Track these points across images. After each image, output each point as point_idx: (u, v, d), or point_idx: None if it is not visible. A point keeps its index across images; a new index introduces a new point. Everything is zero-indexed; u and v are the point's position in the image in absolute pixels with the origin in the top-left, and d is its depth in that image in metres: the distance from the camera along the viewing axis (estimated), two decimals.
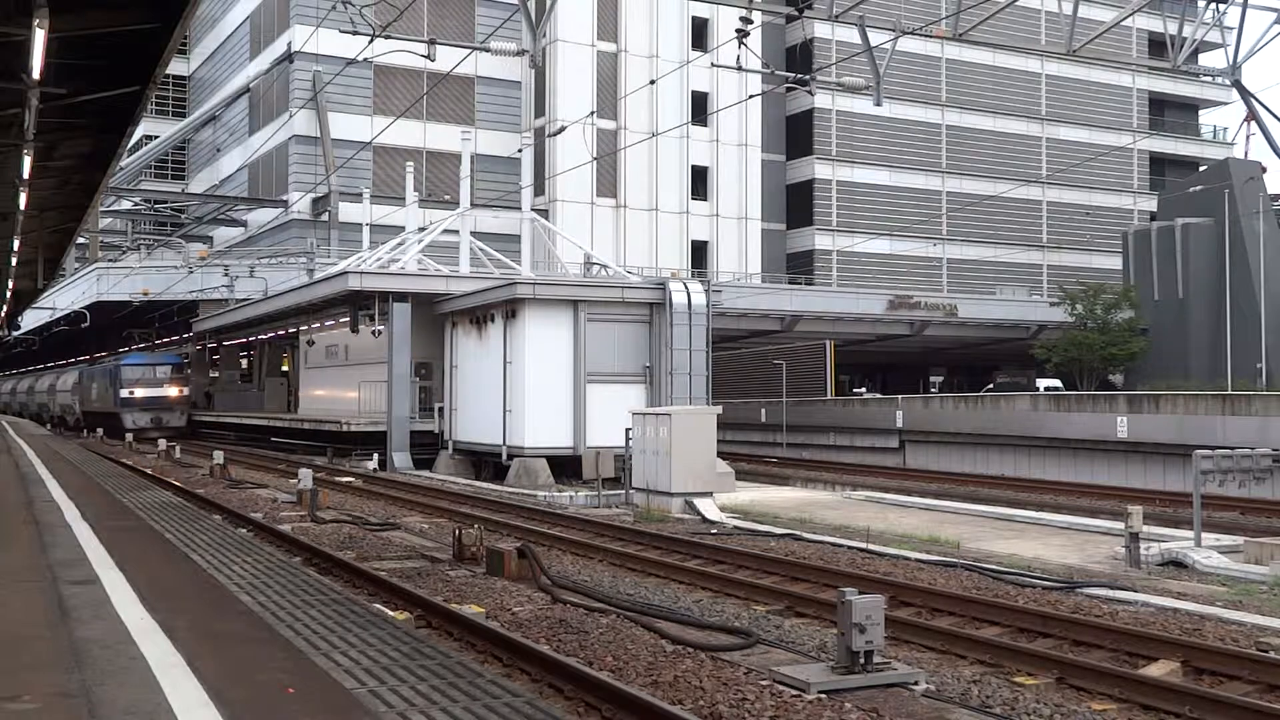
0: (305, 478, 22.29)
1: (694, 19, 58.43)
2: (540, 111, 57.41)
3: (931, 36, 29.45)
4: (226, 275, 48.64)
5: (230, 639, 7.85)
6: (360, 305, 36.32)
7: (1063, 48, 23.30)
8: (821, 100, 63.98)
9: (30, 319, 55.80)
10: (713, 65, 44.56)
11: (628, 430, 24.76)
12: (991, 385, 53.55)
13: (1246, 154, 65.84)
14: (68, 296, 55.26)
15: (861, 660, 8.98)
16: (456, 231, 39.13)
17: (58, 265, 32.76)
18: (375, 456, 33.32)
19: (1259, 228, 50.59)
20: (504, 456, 29.87)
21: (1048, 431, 33.99)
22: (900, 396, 44.00)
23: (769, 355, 49.51)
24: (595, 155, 49.27)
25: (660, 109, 55.68)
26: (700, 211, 59.71)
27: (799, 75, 29.41)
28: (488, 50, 21.77)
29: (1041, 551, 17.25)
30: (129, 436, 45.03)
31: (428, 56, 20.70)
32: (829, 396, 46.21)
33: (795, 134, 66.12)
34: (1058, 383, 51.09)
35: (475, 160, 42.09)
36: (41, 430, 56.72)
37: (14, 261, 27.05)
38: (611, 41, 57.54)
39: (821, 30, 61.74)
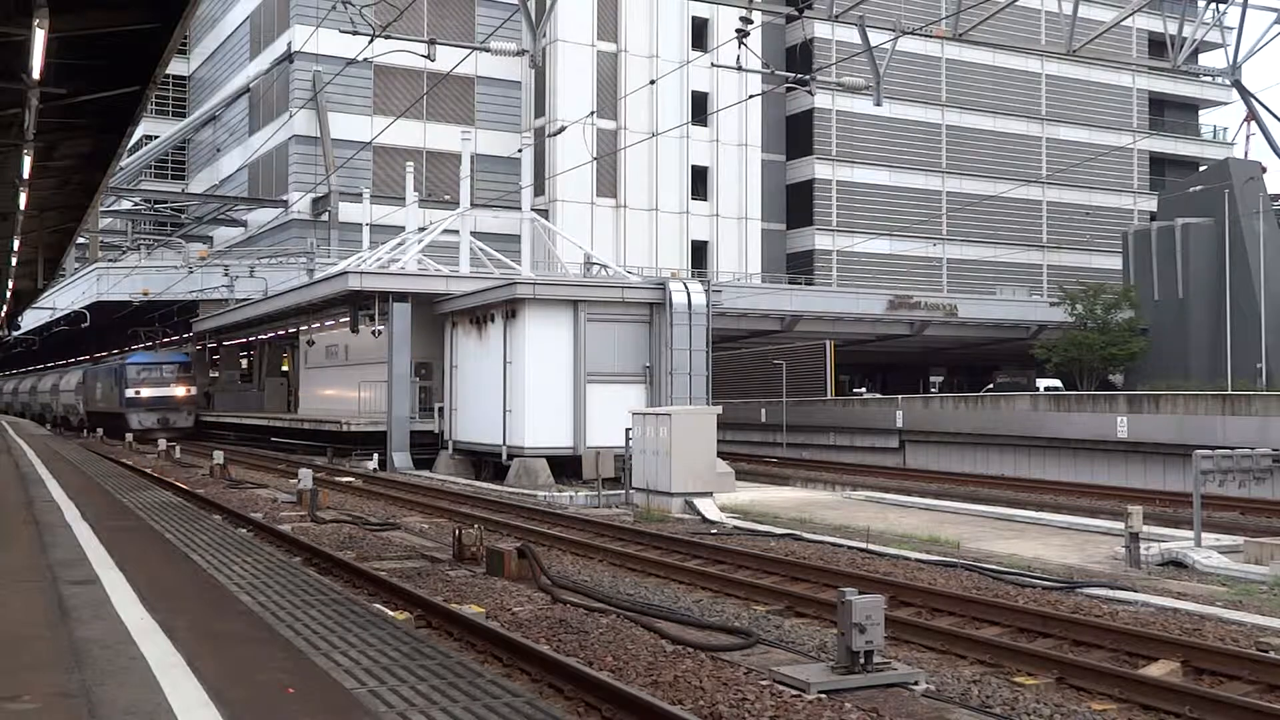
0: (305, 478, 22.29)
1: (694, 19, 58.43)
2: (540, 111, 57.42)
3: (931, 36, 29.46)
4: (226, 275, 48.60)
5: (230, 639, 7.85)
6: (360, 305, 36.33)
7: (1063, 48, 23.30)
8: (821, 100, 63.98)
9: (30, 319, 55.78)
10: (713, 65, 44.56)
11: (628, 430, 24.76)
12: (991, 385, 53.55)
13: (1246, 154, 65.85)
14: (68, 296, 55.22)
15: (861, 660, 8.98)
16: (456, 231, 39.13)
17: (58, 265, 32.76)
18: (375, 456, 33.32)
19: (1259, 228, 50.59)
20: (504, 456, 29.87)
21: (1048, 431, 33.98)
22: (900, 396, 44.00)
23: (769, 355, 49.51)
24: (595, 155, 49.27)
25: (660, 109, 55.68)
26: (700, 211, 59.71)
27: (799, 75, 29.41)
28: (488, 50, 21.76)
29: (1041, 551, 17.25)
30: (129, 436, 44.80)
31: (428, 56, 20.70)
32: (829, 396, 46.20)
33: (795, 134, 66.12)
34: (1058, 383, 51.09)
35: (475, 160, 42.09)
36: (42, 430, 56.67)
37: (14, 261, 27.06)
38: (611, 41, 57.54)
39: (821, 30, 61.74)
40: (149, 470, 29.06)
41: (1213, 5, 24.85)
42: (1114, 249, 63.96)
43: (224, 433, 49.86)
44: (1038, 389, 46.89)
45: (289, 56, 54.28)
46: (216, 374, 60.76)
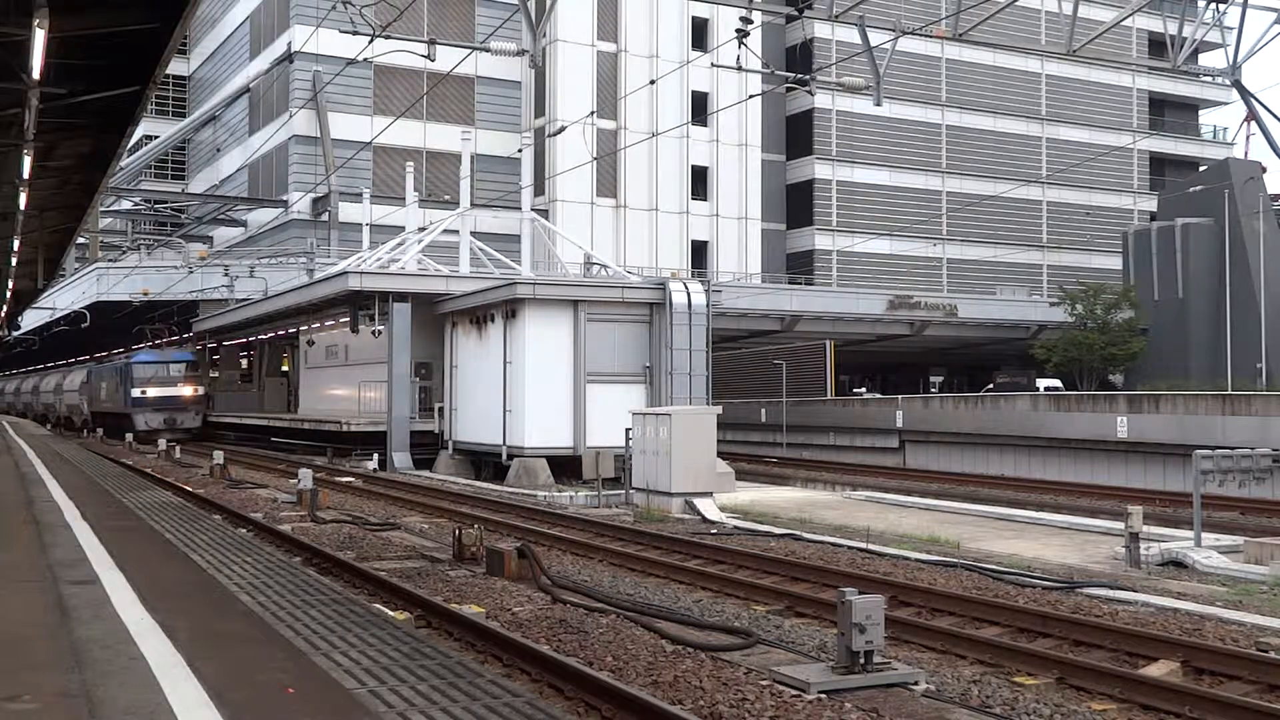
0: (305, 478, 22.29)
1: (694, 19, 58.40)
2: (540, 111, 57.41)
3: (931, 36, 29.45)
4: (226, 275, 48.59)
5: (230, 639, 7.85)
6: (360, 305, 36.33)
7: (1063, 48, 23.30)
8: (821, 100, 63.95)
9: (30, 319, 55.79)
10: (713, 65, 44.54)
11: (628, 430, 24.77)
12: (991, 385, 53.53)
13: (1246, 154, 65.97)
14: (68, 296, 55.21)
15: (861, 660, 8.98)
16: (456, 231, 39.13)
17: (58, 265, 32.79)
18: (375, 456, 33.33)
19: (1259, 228, 50.59)
20: (504, 456, 29.87)
21: (1048, 431, 33.98)
22: (900, 396, 44.00)
23: (769, 355, 49.51)
24: (595, 155, 49.26)
25: (660, 109, 55.66)
26: (700, 211, 59.70)
27: (799, 75, 29.38)
28: (488, 50, 21.76)
29: (1041, 551, 17.26)
30: (129, 437, 44.69)
31: (428, 56, 20.70)
32: (829, 396, 46.20)
33: (795, 134, 66.11)
34: (1058, 383, 51.07)
35: (475, 160, 42.07)
36: (42, 430, 56.63)
37: (14, 261, 27.07)
38: (611, 41, 57.53)
39: (821, 30, 61.73)
40: (149, 470, 29.07)
41: (1213, 5, 24.84)
42: (1114, 249, 63.96)
43: (224, 432, 49.55)
44: (1038, 389, 46.88)
45: (289, 56, 54.28)
46: (216, 374, 60.73)
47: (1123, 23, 47.10)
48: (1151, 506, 22.97)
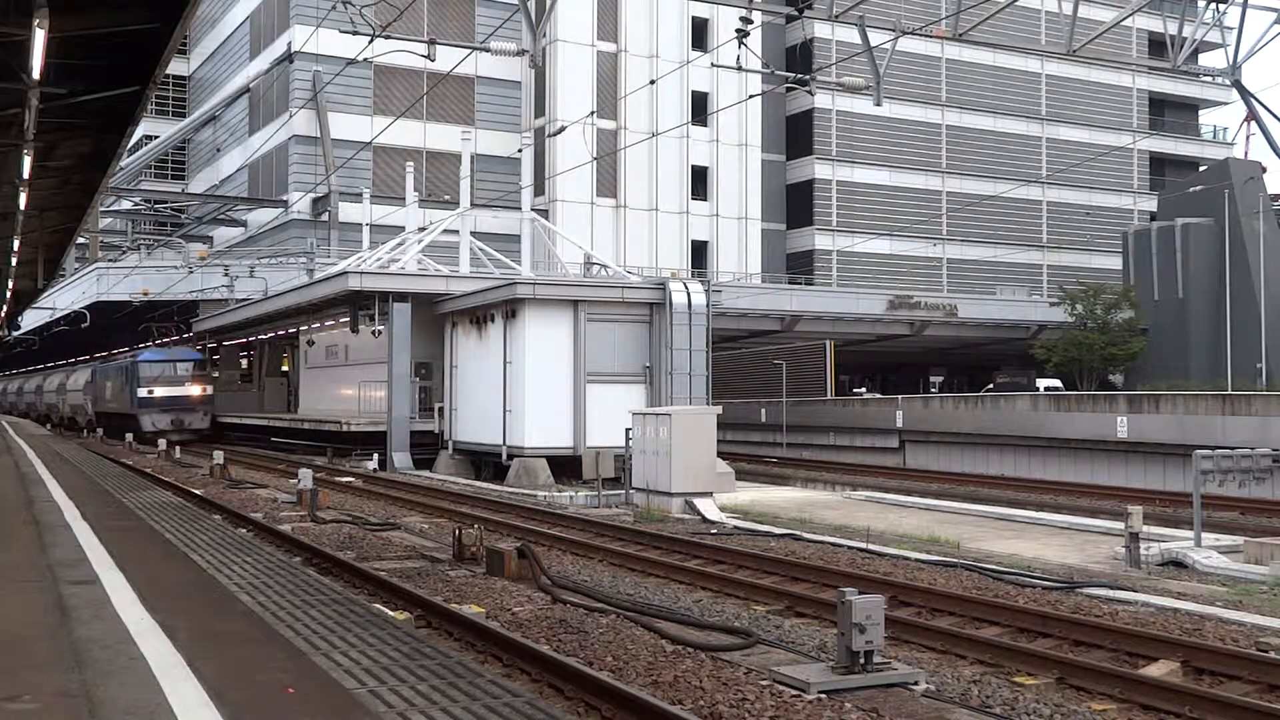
0: (305, 478, 22.29)
1: (694, 19, 58.40)
2: (540, 111, 57.41)
3: (931, 36, 29.45)
4: (226, 275, 48.54)
5: (230, 639, 7.85)
6: (360, 305, 36.33)
7: (1063, 48, 23.29)
8: (821, 100, 63.95)
9: (30, 319, 55.77)
10: (713, 65, 44.54)
11: (628, 430, 24.77)
12: (992, 385, 53.54)
13: (1246, 154, 65.97)
14: (68, 296, 55.17)
15: (861, 660, 8.98)
16: (456, 231, 39.13)
17: (58, 265, 32.79)
18: (375, 456, 33.33)
19: (1259, 228, 50.59)
20: (504, 456, 29.87)
21: (1048, 431, 33.98)
22: (900, 396, 44.00)
23: (769, 355, 49.51)
24: (595, 155, 49.26)
25: (660, 109, 55.65)
26: (700, 211, 59.70)
27: (799, 75, 29.38)
28: (488, 50, 21.76)
29: (1041, 551, 17.26)
30: (129, 436, 44.48)
31: (428, 56, 20.69)
32: (829, 396, 46.20)
33: (795, 134, 66.10)
34: (1058, 383, 51.07)
35: (475, 160, 42.07)
36: (42, 431, 56.58)
37: (14, 261, 27.08)
38: (611, 41, 57.53)
39: (821, 30, 61.72)
40: (149, 470, 29.07)
41: (1213, 5, 24.83)
42: (1114, 249, 63.95)
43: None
44: (1038, 389, 46.88)
45: (289, 56, 54.27)
46: (217, 374, 60.68)
47: (1123, 23, 47.11)
48: (1151, 506, 22.97)
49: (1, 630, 7.83)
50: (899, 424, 39.67)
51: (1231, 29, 24.72)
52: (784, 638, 11.13)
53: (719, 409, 26.41)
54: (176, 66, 67.99)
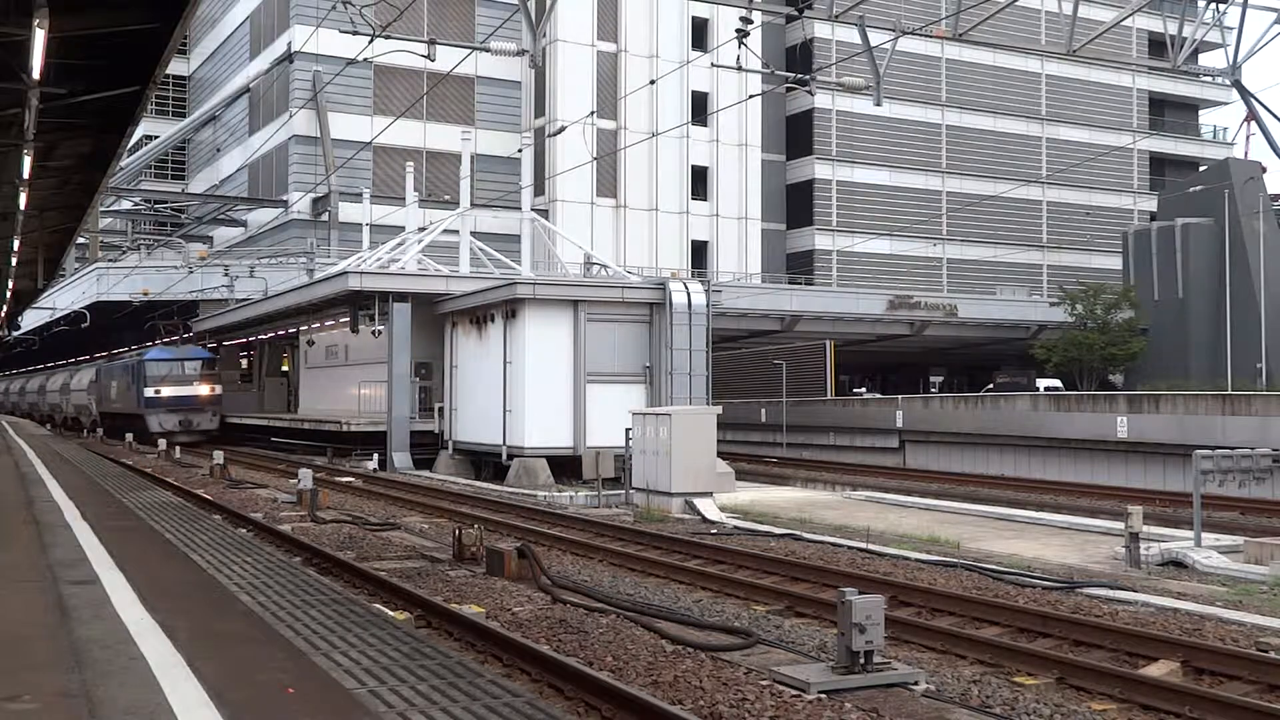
0: (305, 478, 22.29)
1: (694, 19, 58.40)
2: (540, 111, 57.41)
3: (931, 36, 29.45)
4: (226, 275, 48.51)
5: (230, 639, 7.85)
6: (360, 305, 36.33)
7: (1063, 48, 23.29)
8: (821, 100, 63.94)
9: (30, 319, 55.73)
10: (713, 65, 44.54)
11: (628, 430, 24.77)
12: (991, 385, 53.55)
13: (1246, 154, 65.96)
14: (68, 296, 55.14)
15: (861, 660, 8.98)
16: (456, 231, 39.14)
17: (58, 265, 32.78)
18: (375, 456, 33.33)
19: (1259, 228, 50.59)
20: (504, 456, 29.87)
21: (1048, 431, 33.98)
22: (900, 396, 44.00)
23: (769, 355, 49.51)
24: (595, 155, 49.26)
25: (660, 109, 55.65)
26: (700, 211, 59.70)
27: (799, 75, 29.38)
28: (488, 50, 21.76)
29: (1041, 551, 17.26)
30: (129, 436, 44.34)
31: (428, 56, 20.70)
32: (829, 396, 46.20)
33: (795, 134, 66.10)
34: (1058, 383, 51.08)
35: (475, 160, 42.07)
36: (42, 431, 56.52)
37: (14, 261, 27.08)
38: (611, 41, 57.52)
39: (821, 30, 61.71)
40: (149, 470, 29.07)
41: (1213, 5, 24.83)
42: (1114, 249, 63.95)
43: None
44: (1038, 389, 46.89)
45: (289, 56, 54.27)
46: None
47: (1123, 23, 47.11)
48: (1151, 506, 22.97)
49: (1, 630, 7.83)
50: (899, 424, 39.67)
51: (1231, 29, 24.73)
52: (784, 638, 11.13)
53: (719, 409, 26.41)
54: (176, 66, 67.98)
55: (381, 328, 34.79)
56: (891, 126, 65.50)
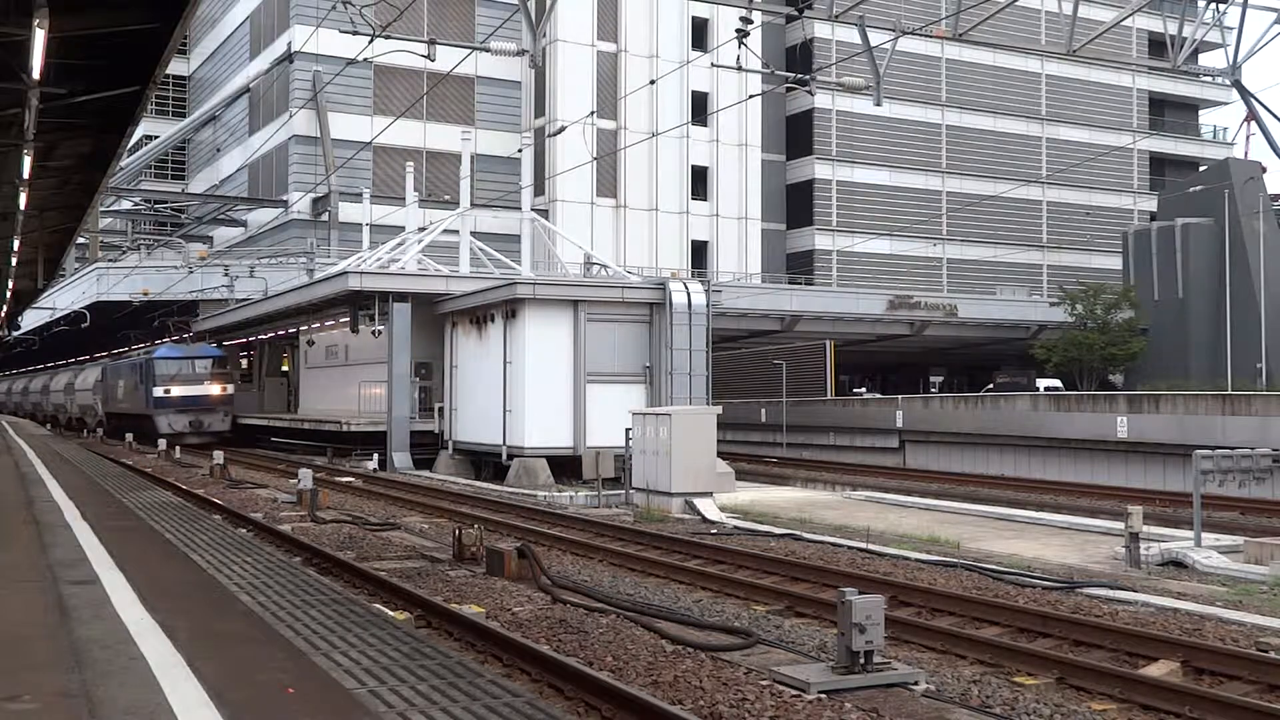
0: (305, 478, 22.29)
1: (694, 19, 58.39)
2: (540, 111, 57.41)
3: (931, 36, 29.45)
4: (226, 275, 48.49)
5: (230, 639, 7.85)
6: (360, 305, 36.33)
7: (1063, 48, 23.29)
8: (821, 100, 63.94)
9: (30, 319, 55.71)
10: (713, 65, 44.53)
11: (628, 430, 24.77)
12: (991, 385, 53.55)
13: (1246, 154, 65.97)
14: (68, 296, 55.12)
15: (861, 660, 8.98)
16: (456, 231, 39.14)
17: (58, 265, 32.78)
18: (375, 456, 33.33)
19: (1259, 228, 50.59)
20: (504, 456, 29.87)
21: (1048, 431, 33.98)
22: (900, 396, 44.00)
23: (769, 355, 49.51)
24: (595, 155, 49.26)
25: (660, 109, 55.65)
26: (700, 211, 59.70)
27: (799, 75, 29.37)
28: (488, 50, 21.76)
29: (1041, 551, 17.26)
30: (129, 436, 44.18)
31: (428, 56, 20.69)
32: (829, 396, 46.20)
33: (795, 134, 66.10)
34: (1058, 383, 51.07)
35: (475, 160, 42.07)
36: (42, 430, 56.50)
37: (14, 261, 27.08)
38: (611, 41, 57.52)
39: (821, 30, 61.71)
40: (149, 470, 29.07)
41: (1213, 5, 24.83)
42: (1114, 249, 63.95)
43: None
44: (1038, 389, 46.89)
45: (289, 56, 54.26)
46: None
47: (1123, 23, 47.10)
48: (1151, 506, 22.97)
49: (1, 630, 7.83)
50: (899, 424, 39.66)
51: (1231, 29, 24.72)
52: (784, 638, 11.12)
53: (719, 409, 26.41)
54: (176, 66, 67.98)
55: (381, 328, 34.79)
56: (891, 126, 65.50)
